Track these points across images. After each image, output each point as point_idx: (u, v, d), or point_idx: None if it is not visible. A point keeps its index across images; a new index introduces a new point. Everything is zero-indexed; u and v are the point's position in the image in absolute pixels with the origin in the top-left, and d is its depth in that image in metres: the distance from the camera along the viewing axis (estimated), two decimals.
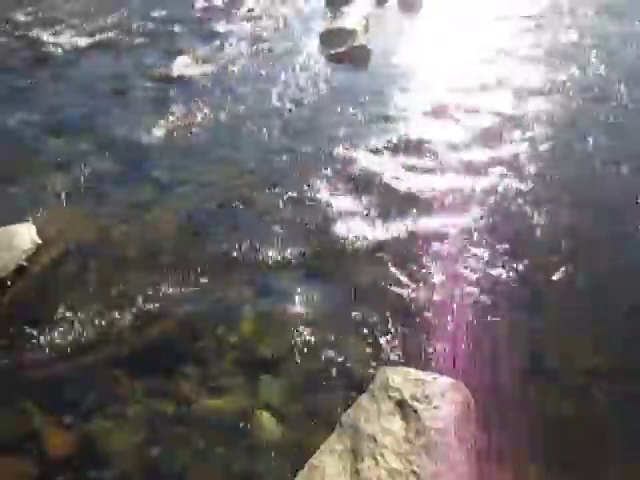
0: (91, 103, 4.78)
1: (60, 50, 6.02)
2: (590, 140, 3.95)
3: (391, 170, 3.68)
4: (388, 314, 2.64)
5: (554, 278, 2.81)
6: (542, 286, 2.78)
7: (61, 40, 6.29)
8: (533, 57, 5.32)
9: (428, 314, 2.64)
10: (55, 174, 3.81)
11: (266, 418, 2.22)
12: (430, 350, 2.45)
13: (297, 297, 2.76)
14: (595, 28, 5.99)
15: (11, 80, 5.34)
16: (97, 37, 6.32)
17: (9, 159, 4.05)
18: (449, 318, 2.61)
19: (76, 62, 5.72)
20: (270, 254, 3.04)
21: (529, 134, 4.06)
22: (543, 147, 3.91)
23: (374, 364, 2.37)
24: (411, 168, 3.71)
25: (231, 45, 5.88)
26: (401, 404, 1.94)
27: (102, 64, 5.67)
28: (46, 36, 6.41)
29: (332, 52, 5.51)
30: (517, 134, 4.06)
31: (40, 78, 5.37)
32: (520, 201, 3.36)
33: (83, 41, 6.22)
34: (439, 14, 6.56)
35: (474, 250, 3.00)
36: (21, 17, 7.16)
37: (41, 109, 4.71)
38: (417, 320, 2.61)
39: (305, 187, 3.55)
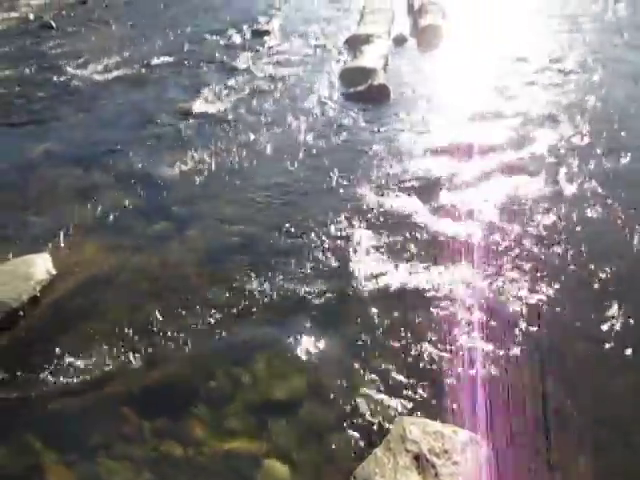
0: (113, 136, 4.84)
1: (85, 83, 6.15)
2: (615, 172, 3.89)
3: (412, 210, 3.64)
4: (407, 361, 2.56)
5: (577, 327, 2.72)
6: (562, 339, 2.69)
7: (86, 73, 6.44)
8: (556, 95, 5.30)
9: (448, 363, 2.55)
10: (74, 205, 3.83)
11: (277, 465, 2.14)
12: (450, 401, 2.35)
13: (313, 340, 2.70)
14: (621, 62, 5.98)
15: (36, 112, 5.44)
16: (121, 71, 6.46)
17: (30, 189, 4.09)
18: (470, 369, 2.52)
19: (100, 95, 5.83)
20: (286, 294, 2.99)
21: (552, 171, 4.01)
22: (567, 184, 3.85)
23: (391, 414, 2.28)
24: (433, 208, 3.66)
25: (251, 82, 5.96)
26: (418, 458, 1.86)
27: (125, 98, 5.77)
28: (72, 69, 6.57)
29: (352, 90, 5.56)
30: (539, 171, 4.01)
31: (64, 110, 5.48)
32: (546, 245, 3.28)
33: (107, 75, 6.36)
34: (459, 53, 6.61)
35: (494, 298, 2.92)
36: (49, 50, 7.36)
37: (64, 141, 4.79)
38: (437, 369, 2.52)
39: (323, 226, 3.52)
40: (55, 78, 6.36)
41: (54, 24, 8.52)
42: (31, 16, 9.08)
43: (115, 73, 6.41)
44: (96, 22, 8.75)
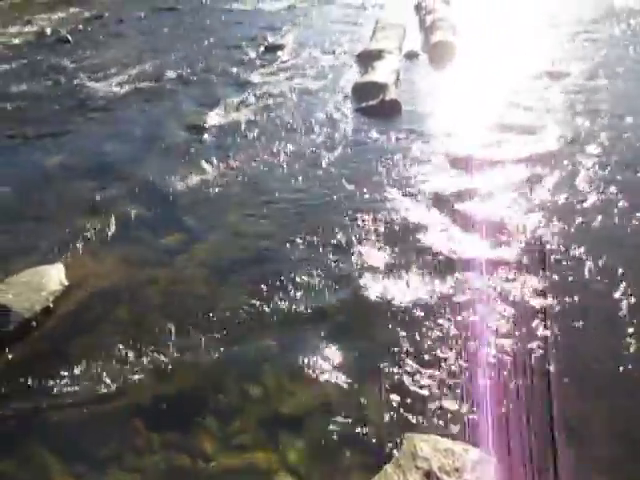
0: (126, 149, 4.90)
1: (100, 96, 6.24)
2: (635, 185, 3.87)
3: (425, 223, 3.64)
4: (417, 377, 2.54)
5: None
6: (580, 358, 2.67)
7: (101, 87, 6.54)
8: (570, 109, 5.29)
9: (460, 379, 2.53)
10: (88, 217, 3.87)
11: None
12: (462, 418, 2.33)
13: (323, 353, 2.69)
14: (637, 75, 5.97)
15: (51, 124, 5.53)
16: (135, 85, 6.55)
17: (44, 200, 4.14)
18: (483, 385, 2.50)
19: (114, 108, 5.91)
20: (298, 307, 2.99)
21: (567, 184, 4.00)
22: (584, 196, 3.83)
23: (402, 430, 2.26)
24: (446, 221, 3.65)
25: (264, 96, 6.01)
26: (429, 476, 1.84)
27: (139, 111, 5.84)
28: (87, 82, 6.68)
29: (363, 105, 5.59)
30: (554, 185, 3.99)
31: (79, 123, 5.56)
32: (564, 259, 3.25)
33: (122, 88, 6.44)
34: (470, 68, 6.63)
35: (509, 313, 2.90)
36: (65, 64, 7.49)
37: (78, 153, 4.85)
38: (449, 386, 2.50)
39: (334, 239, 3.53)
40: (70, 91, 6.46)
41: (70, 38, 8.67)
42: (48, 30, 9.24)
43: (129, 86, 6.50)
44: (111, 36, 8.89)
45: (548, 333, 2.74)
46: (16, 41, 8.81)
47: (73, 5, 11.33)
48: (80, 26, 9.53)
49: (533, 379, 2.51)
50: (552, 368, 2.55)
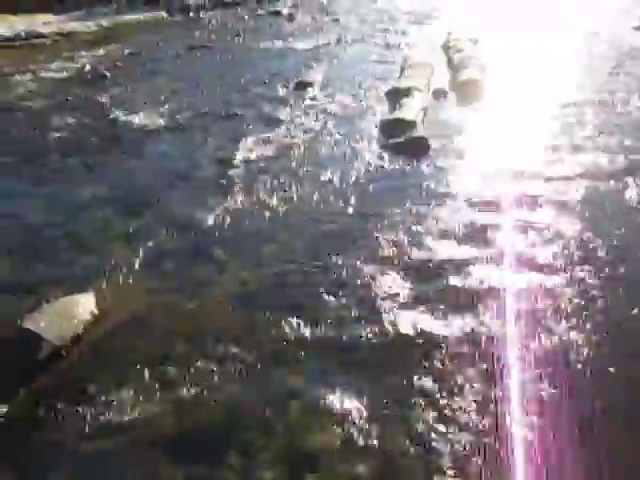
0: (157, 182, 5.02)
1: (134, 131, 6.45)
2: None
3: (451, 259, 3.62)
4: (447, 416, 2.50)
5: None
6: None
7: (135, 121, 6.75)
8: (603, 152, 5.25)
9: (490, 418, 2.47)
10: (118, 248, 3.96)
11: None
12: (491, 460, 2.27)
13: (348, 388, 2.67)
14: None
15: (85, 157, 5.70)
16: (168, 120, 6.74)
17: (77, 231, 4.25)
18: (513, 425, 2.43)
19: (147, 142, 6.09)
20: (323, 341, 2.99)
21: (598, 225, 3.96)
22: (613, 239, 3.78)
23: (428, 472, 2.22)
24: (471, 258, 3.63)
25: (292, 132, 6.13)
26: None
27: (170, 145, 6.01)
28: (122, 117, 6.90)
29: (391, 142, 5.65)
30: (584, 227, 3.95)
31: (113, 156, 5.73)
32: (595, 298, 3.20)
33: (155, 123, 6.64)
34: (498, 107, 6.67)
35: (537, 350, 2.84)
36: (102, 99, 7.77)
37: (110, 185, 4.98)
38: (478, 426, 2.44)
39: (361, 273, 3.53)
40: (106, 125, 6.69)
41: (108, 74, 9.01)
42: (87, 67, 9.63)
43: (162, 121, 6.70)
44: (146, 73, 9.22)
45: (588, 377, 2.68)
46: (58, 76, 9.19)
47: (111, 43, 11.81)
48: (118, 63, 9.91)
49: (577, 427, 2.42)
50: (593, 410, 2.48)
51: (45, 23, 13.41)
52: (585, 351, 2.83)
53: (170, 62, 10.02)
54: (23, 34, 12.31)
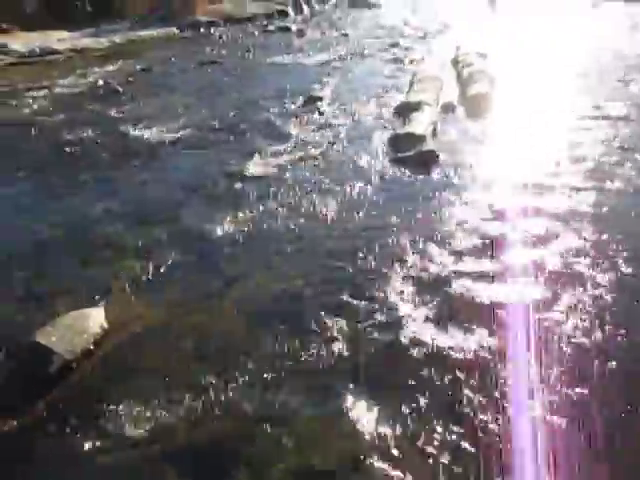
0: (168, 196, 5.06)
1: (145, 145, 6.51)
2: None
3: (462, 273, 3.61)
4: (455, 435, 2.47)
5: None
6: None
7: (147, 135, 6.83)
8: (614, 165, 5.23)
9: (502, 435, 2.44)
10: (129, 261, 3.98)
11: None
12: (504, 477, 2.24)
13: (359, 406, 2.65)
14: None
15: (97, 171, 5.77)
16: (179, 134, 6.81)
17: (89, 245, 4.28)
18: (528, 440, 2.41)
19: (158, 157, 6.15)
20: (334, 355, 2.98)
21: (609, 238, 3.94)
22: (623, 252, 3.75)
23: None
24: (483, 272, 3.62)
25: (302, 146, 6.16)
26: None
27: (181, 159, 6.06)
28: (133, 131, 6.99)
29: (400, 156, 5.66)
30: (593, 241, 3.93)
31: (124, 170, 5.79)
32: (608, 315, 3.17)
33: (166, 137, 6.71)
34: (507, 121, 6.68)
35: (550, 366, 2.82)
36: (114, 113, 7.87)
37: (122, 199, 5.03)
38: (491, 442, 2.41)
39: (372, 286, 3.53)
40: (118, 139, 6.77)
41: (120, 89, 9.13)
42: (100, 82, 9.76)
43: (173, 135, 6.77)
44: (158, 88, 9.34)
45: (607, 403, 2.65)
46: (71, 92, 9.32)
47: (124, 59, 11.98)
48: (130, 78, 10.04)
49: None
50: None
51: (59, 40, 13.66)
52: (597, 365, 2.80)
53: (181, 77, 10.14)
54: (37, 50, 12.54)
